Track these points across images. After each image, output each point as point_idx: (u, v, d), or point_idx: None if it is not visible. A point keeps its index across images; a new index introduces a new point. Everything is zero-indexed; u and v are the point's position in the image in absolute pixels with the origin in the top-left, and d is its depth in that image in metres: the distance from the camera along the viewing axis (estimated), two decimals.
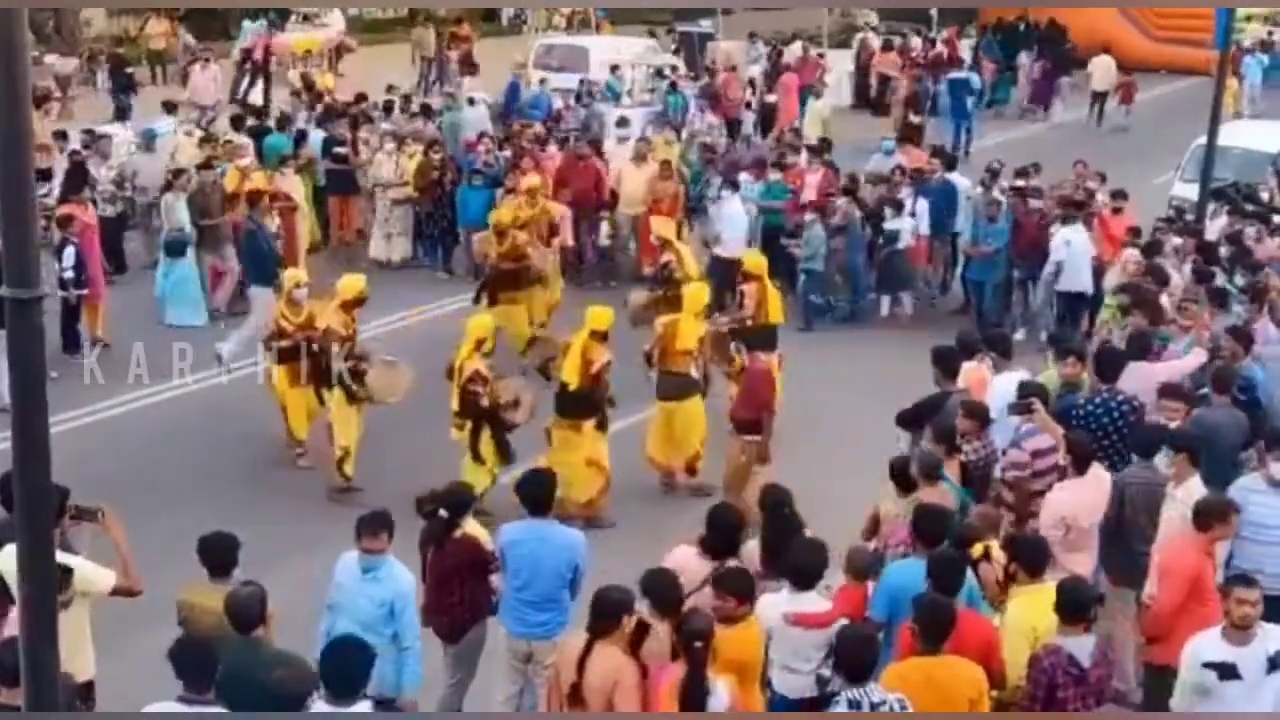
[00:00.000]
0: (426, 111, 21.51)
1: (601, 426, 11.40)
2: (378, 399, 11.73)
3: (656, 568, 7.24)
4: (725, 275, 14.92)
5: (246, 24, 29.99)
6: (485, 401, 11.02)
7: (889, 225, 16.70)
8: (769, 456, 11.17)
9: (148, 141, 18.51)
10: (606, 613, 6.72)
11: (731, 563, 7.53)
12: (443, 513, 8.19)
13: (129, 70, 27.10)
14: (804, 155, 18.80)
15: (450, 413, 11.23)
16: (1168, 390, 9.88)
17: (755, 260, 13.78)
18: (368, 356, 11.85)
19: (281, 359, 12.28)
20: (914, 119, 25.92)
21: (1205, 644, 6.99)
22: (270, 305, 13.57)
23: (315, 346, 12.05)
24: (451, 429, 11.26)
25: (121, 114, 21.76)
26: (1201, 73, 31.40)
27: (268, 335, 12.49)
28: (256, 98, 26.46)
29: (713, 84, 26.42)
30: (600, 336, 11.26)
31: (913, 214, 16.75)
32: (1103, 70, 30.72)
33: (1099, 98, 30.76)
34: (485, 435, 11.11)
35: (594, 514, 11.23)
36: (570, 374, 11.20)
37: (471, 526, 8.29)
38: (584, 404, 11.25)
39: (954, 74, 27.82)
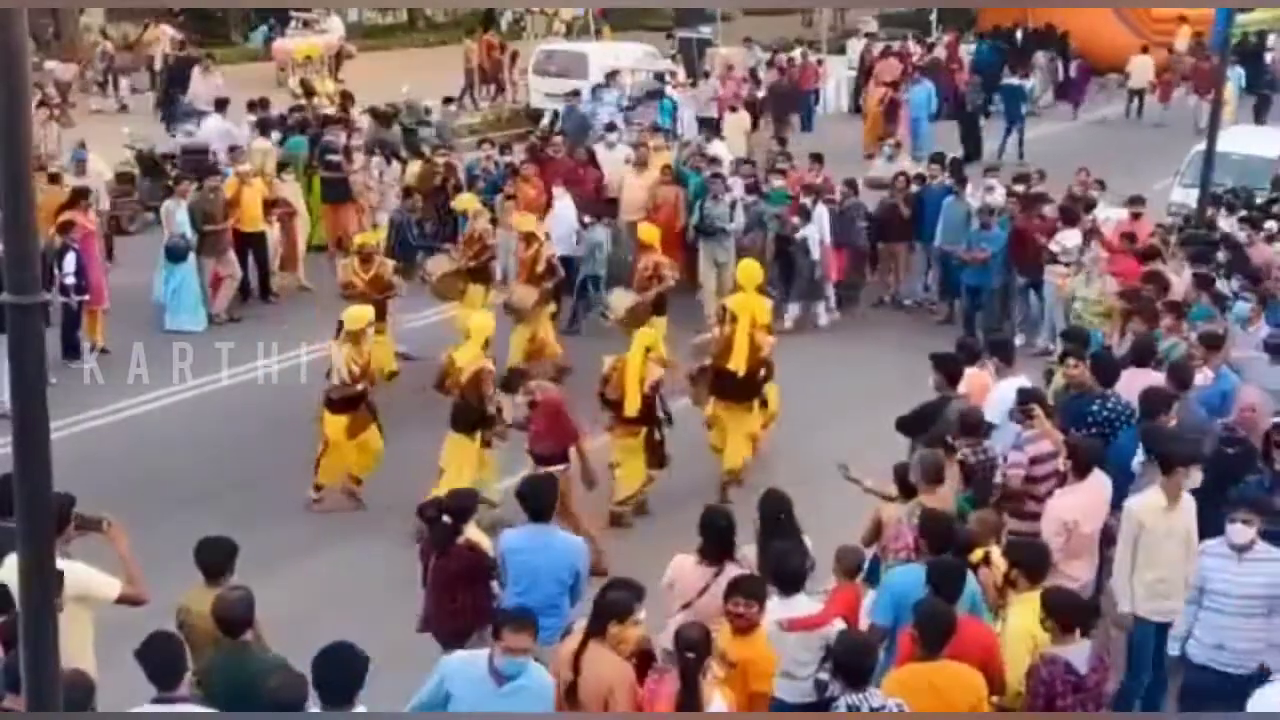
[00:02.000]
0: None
1: (764, 404, 12.25)
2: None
3: (618, 578, 7.22)
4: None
5: (165, 28, 29.98)
6: (661, 407, 11.40)
7: (799, 234, 16.50)
8: (593, 478, 10.78)
9: (77, 164, 17.66)
10: (602, 613, 6.74)
11: (730, 566, 7.53)
12: (446, 519, 8.21)
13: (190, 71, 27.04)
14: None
15: (615, 420, 11.35)
16: (1165, 399, 9.81)
17: (649, 232, 14.48)
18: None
19: (343, 408, 11.60)
20: (983, 122, 26.61)
21: None
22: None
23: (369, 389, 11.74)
24: (623, 436, 11.37)
25: (220, 106, 21.69)
26: None
27: (340, 382, 11.57)
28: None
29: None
30: (766, 328, 12.12)
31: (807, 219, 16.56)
32: (1141, 69, 31.93)
33: (1137, 95, 31.97)
34: (654, 439, 11.42)
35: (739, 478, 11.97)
36: (739, 361, 11.72)
37: (473, 532, 8.31)
38: (751, 387, 11.94)
39: (1008, 80, 28.42)
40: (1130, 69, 32.19)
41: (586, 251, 16.29)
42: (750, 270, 12.85)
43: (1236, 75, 28.44)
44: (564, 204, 16.63)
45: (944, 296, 17.47)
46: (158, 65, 28.97)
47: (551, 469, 10.29)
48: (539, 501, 8.10)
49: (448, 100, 23.84)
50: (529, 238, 14.59)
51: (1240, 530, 7.77)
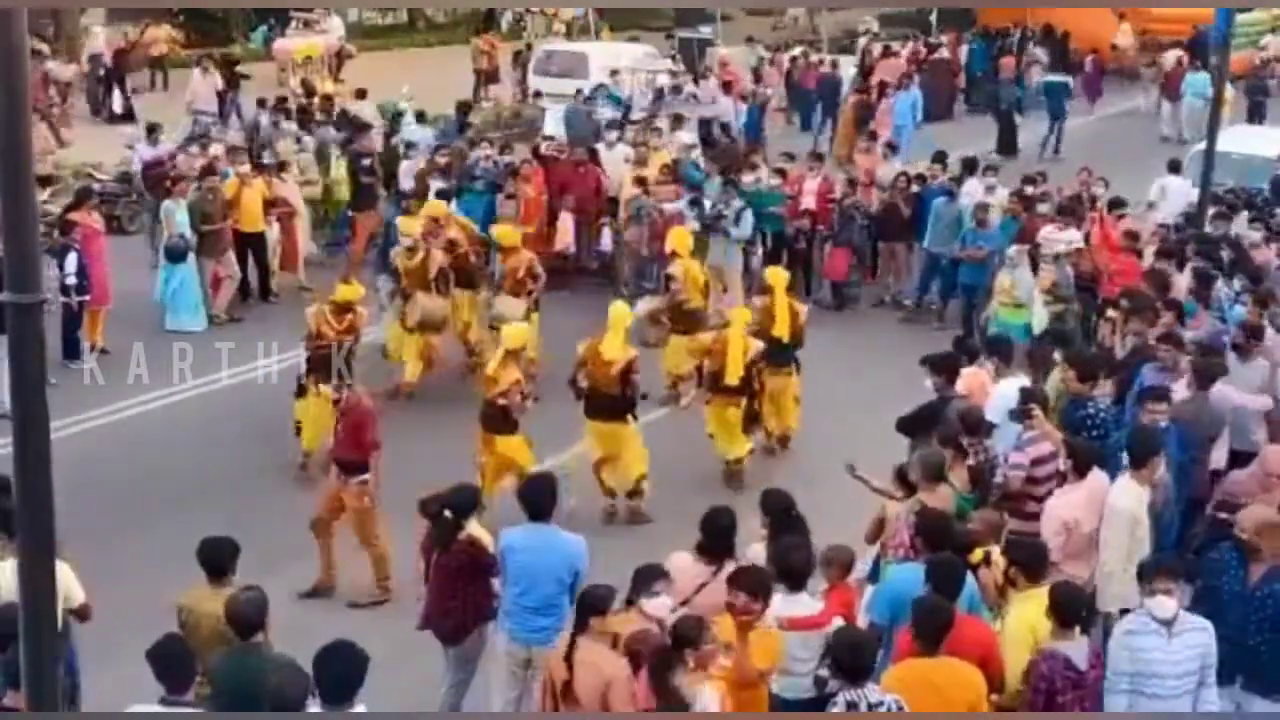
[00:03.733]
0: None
1: (798, 370, 13.10)
2: None
3: (649, 564, 7.22)
4: None
5: (95, 29, 29.69)
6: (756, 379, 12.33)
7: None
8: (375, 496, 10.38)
9: None
10: (583, 609, 6.82)
11: (730, 565, 7.52)
12: (448, 514, 8.22)
13: (239, 70, 27.04)
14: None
15: (714, 391, 12.21)
16: (1157, 394, 9.80)
17: (508, 235, 14.82)
18: None
19: (512, 428, 11.34)
20: (1018, 119, 26.67)
21: None
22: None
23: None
24: (724, 406, 12.23)
25: (262, 103, 21.93)
26: None
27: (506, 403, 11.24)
28: (118, 105, 26.47)
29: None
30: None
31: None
32: (1172, 64, 31.98)
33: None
34: (752, 408, 12.43)
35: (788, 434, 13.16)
36: (782, 329, 12.66)
37: (475, 529, 8.32)
38: (793, 353, 12.92)
39: (1050, 77, 28.63)
40: (1163, 62, 32.26)
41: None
42: (682, 236, 14.20)
43: (1203, 80, 27.96)
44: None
45: (924, 293, 17.48)
46: (84, 63, 28.41)
47: (351, 479, 10.23)
48: (538, 502, 8.10)
49: (537, 94, 25.18)
50: (411, 248, 14.20)
51: (1163, 603, 6.93)
